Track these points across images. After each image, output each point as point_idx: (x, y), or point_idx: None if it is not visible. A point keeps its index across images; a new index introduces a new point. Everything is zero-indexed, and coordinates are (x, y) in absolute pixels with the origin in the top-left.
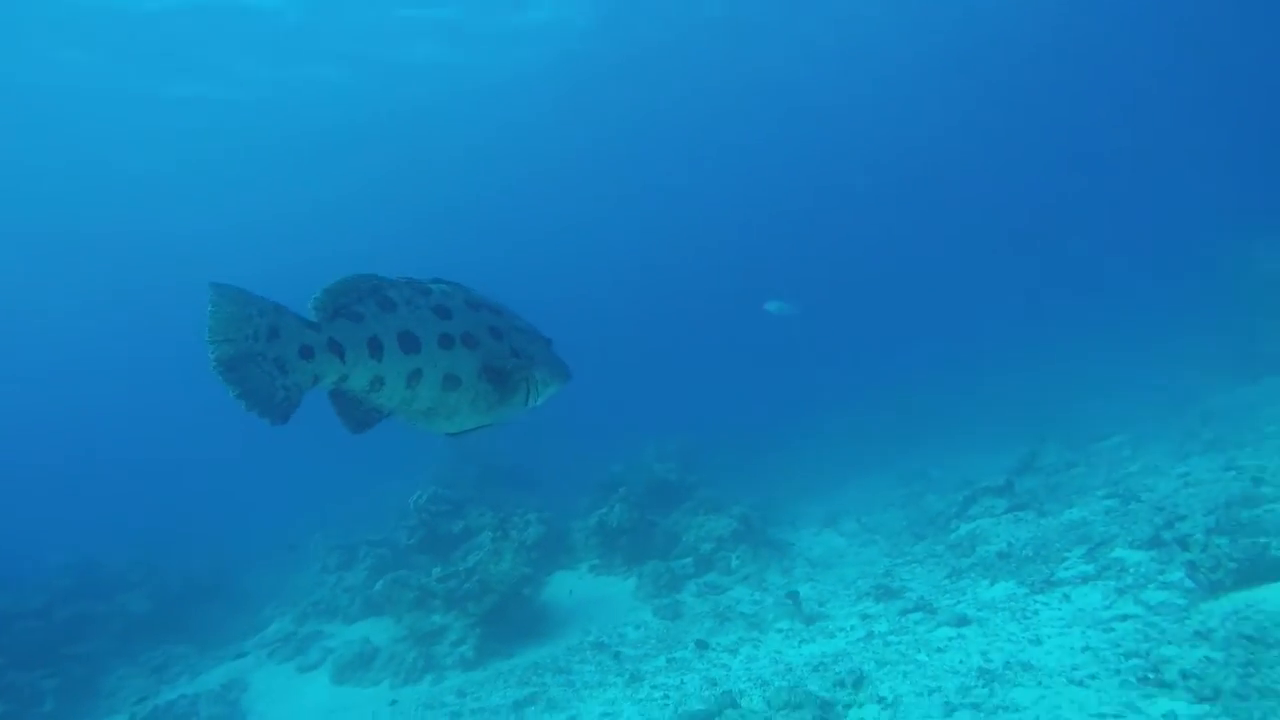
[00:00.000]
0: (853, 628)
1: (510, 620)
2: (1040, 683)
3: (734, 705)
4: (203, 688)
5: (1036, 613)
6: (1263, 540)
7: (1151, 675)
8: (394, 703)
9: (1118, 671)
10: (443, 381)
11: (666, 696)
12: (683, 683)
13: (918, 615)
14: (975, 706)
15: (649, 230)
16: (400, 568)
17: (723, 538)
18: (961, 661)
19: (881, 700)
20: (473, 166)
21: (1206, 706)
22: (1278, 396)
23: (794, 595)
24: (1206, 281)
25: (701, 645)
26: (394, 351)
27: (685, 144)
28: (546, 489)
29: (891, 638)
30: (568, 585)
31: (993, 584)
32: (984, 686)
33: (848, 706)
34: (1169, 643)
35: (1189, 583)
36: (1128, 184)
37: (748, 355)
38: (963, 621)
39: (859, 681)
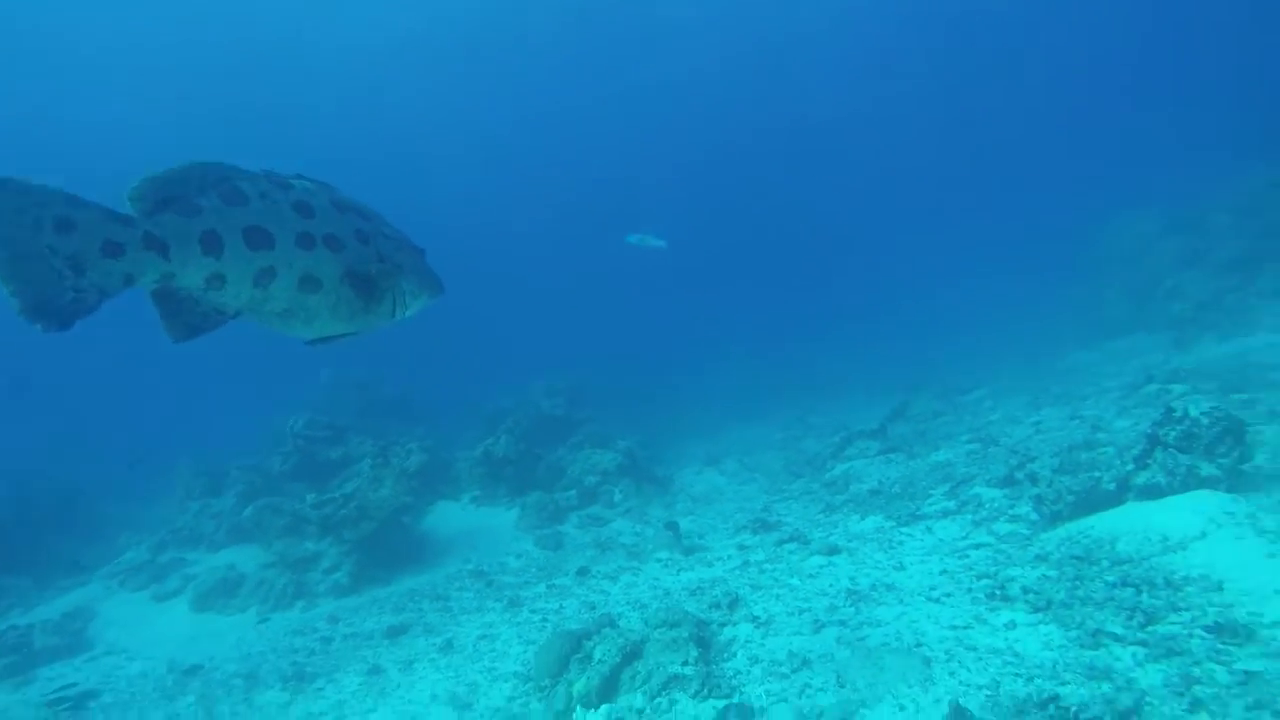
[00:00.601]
0: (730, 557)
1: (389, 548)
2: (902, 601)
3: (612, 625)
4: (38, 619)
5: (901, 543)
6: (1096, 475)
7: (998, 592)
8: (264, 620)
9: (969, 590)
10: (300, 282)
11: (545, 620)
12: (561, 607)
13: (792, 545)
14: (842, 623)
15: (545, 167)
16: (273, 494)
17: (607, 472)
18: (831, 585)
19: (755, 619)
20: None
21: (1040, 615)
22: (1116, 356)
23: (674, 526)
24: (1062, 253)
25: (583, 572)
26: (238, 248)
27: (577, 78)
28: (432, 421)
29: (766, 565)
30: (450, 515)
31: (863, 518)
32: (850, 606)
33: (723, 625)
34: (1014, 565)
35: (1034, 515)
36: (998, 158)
37: (638, 302)
38: (833, 551)
39: (734, 603)
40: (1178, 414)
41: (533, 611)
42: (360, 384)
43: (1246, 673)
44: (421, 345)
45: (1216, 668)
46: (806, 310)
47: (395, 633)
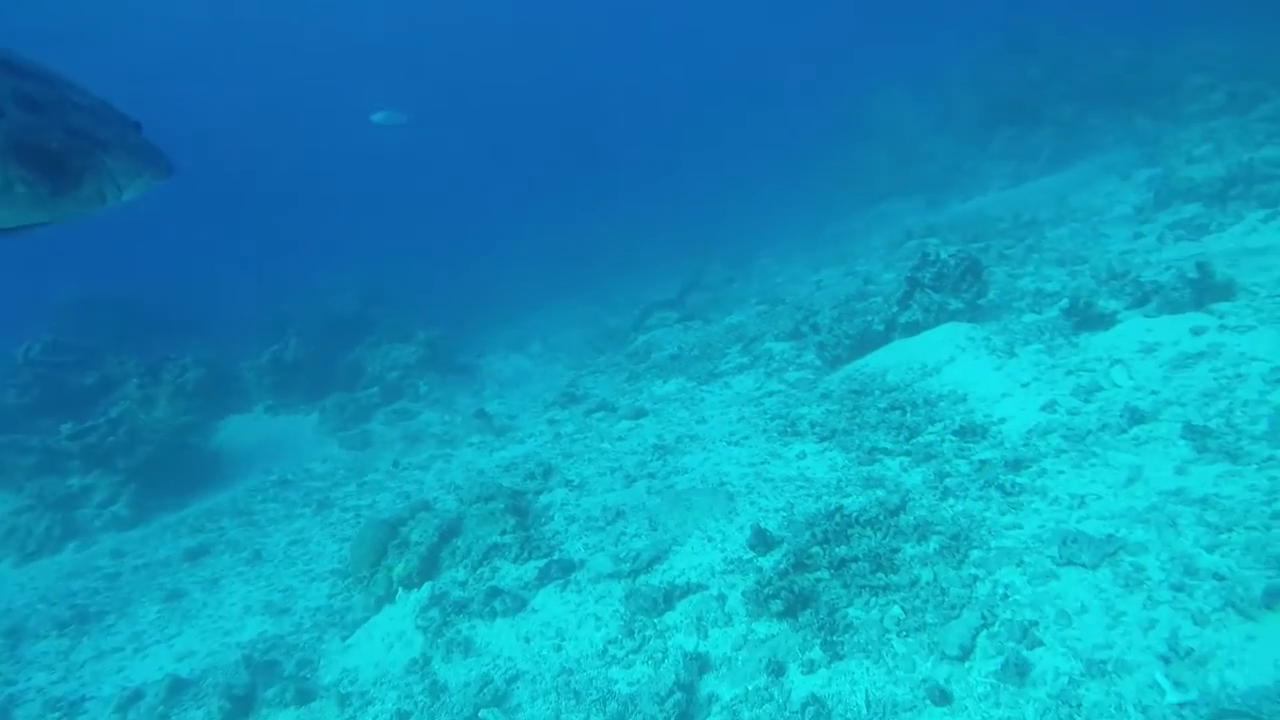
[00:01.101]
0: (541, 432)
1: (175, 471)
2: (705, 449)
3: (427, 509)
4: None
5: (703, 399)
6: (868, 319)
7: (789, 429)
8: (20, 568)
9: (765, 431)
10: None
11: (358, 516)
12: (375, 501)
13: (600, 414)
14: (651, 475)
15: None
16: (12, 432)
17: (410, 365)
18: (639, 444)
19: (569, 483)
20: None
21: (826, 444)
22: (882, 219)
23: (483, 413)
24: (832, 126)
25: (396, 465)
26: None
27: None
28: (205, 335)
29: (577, 436)
30: (244, 428)
31: (666, 381)
32: (659, 459)
33: (538, 493)
34: (803, 405)
35: (818, 361)
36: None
37: (429, 199)
38: (640, 414)
39: (548, 472)
40: (931, 258)
41: (344, 510)
42: (115, 301)
43: (981, 461)
44: (189, 255)
45: (961, 463)
46: (601, 207)
47: (195, 554)
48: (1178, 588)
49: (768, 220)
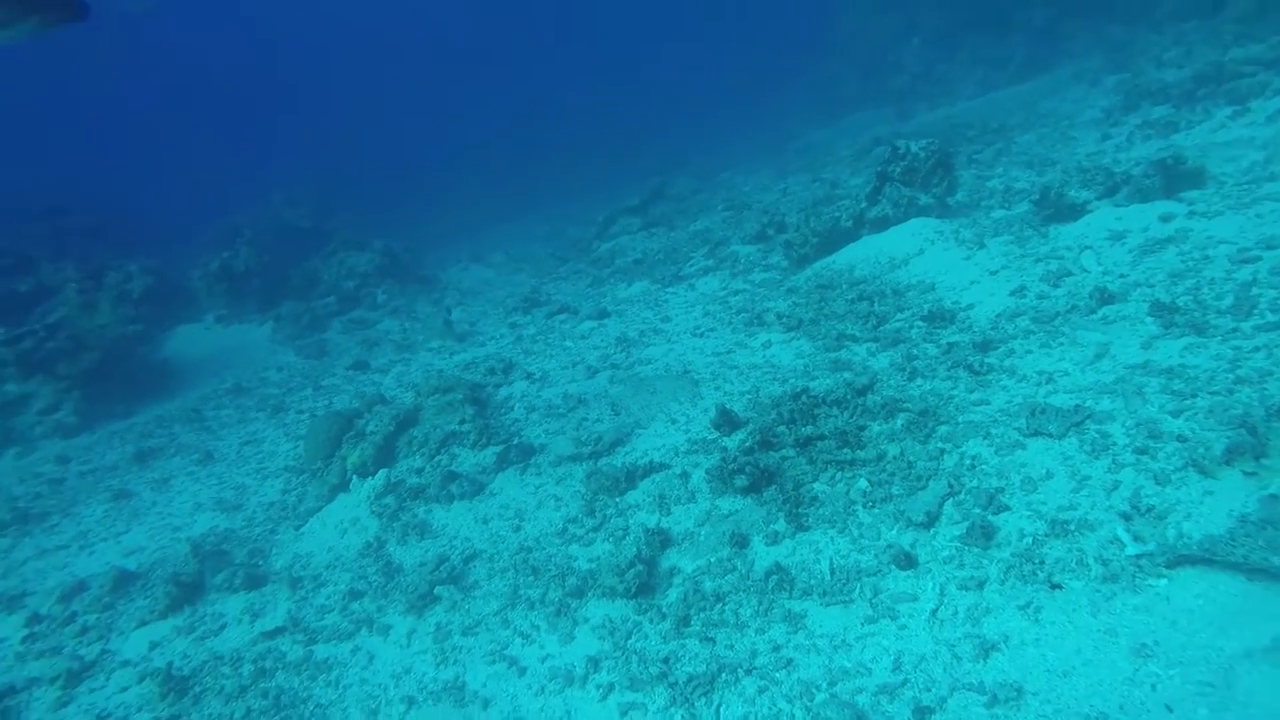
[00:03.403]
0: (502, 335)
1: (123, 380)
2: (669, 340)
3: (383, 402)
4: None
5: (667, 300)
6: (836, 215)
7: (755, 321)
8: None
9: (730, 324)
10: None
11: (313, 415)
12: (331, 403)
13: (563, 316)
14: (614, 366)
15: None
16: None
17: (367, 274)
18: (602, 340)
19: (530, 376)
20: None
21: (792, 334)
22: (849, 131)
23: (448, 317)
24: (797, 42)
25: (356, 366)
26: None
27: None
28: (148, 249)
29: (539, 336)
30: (194, 337)
31: (630, 285)
32: (622, 352)
33: (498, 386)
34: (768, 300)
35: (784, 261)
36: None
37: (390, 106)
38: (603, 315)
39: (508, 368)
40: (901, 150)
41: (300, 413)
42: (48, 211)
43: (949, 344)
44: (141, 167)
45: (929, 346)
46: (565, 127)
47: (144, 456)
48: (1141, 451)
49: (733, 139)
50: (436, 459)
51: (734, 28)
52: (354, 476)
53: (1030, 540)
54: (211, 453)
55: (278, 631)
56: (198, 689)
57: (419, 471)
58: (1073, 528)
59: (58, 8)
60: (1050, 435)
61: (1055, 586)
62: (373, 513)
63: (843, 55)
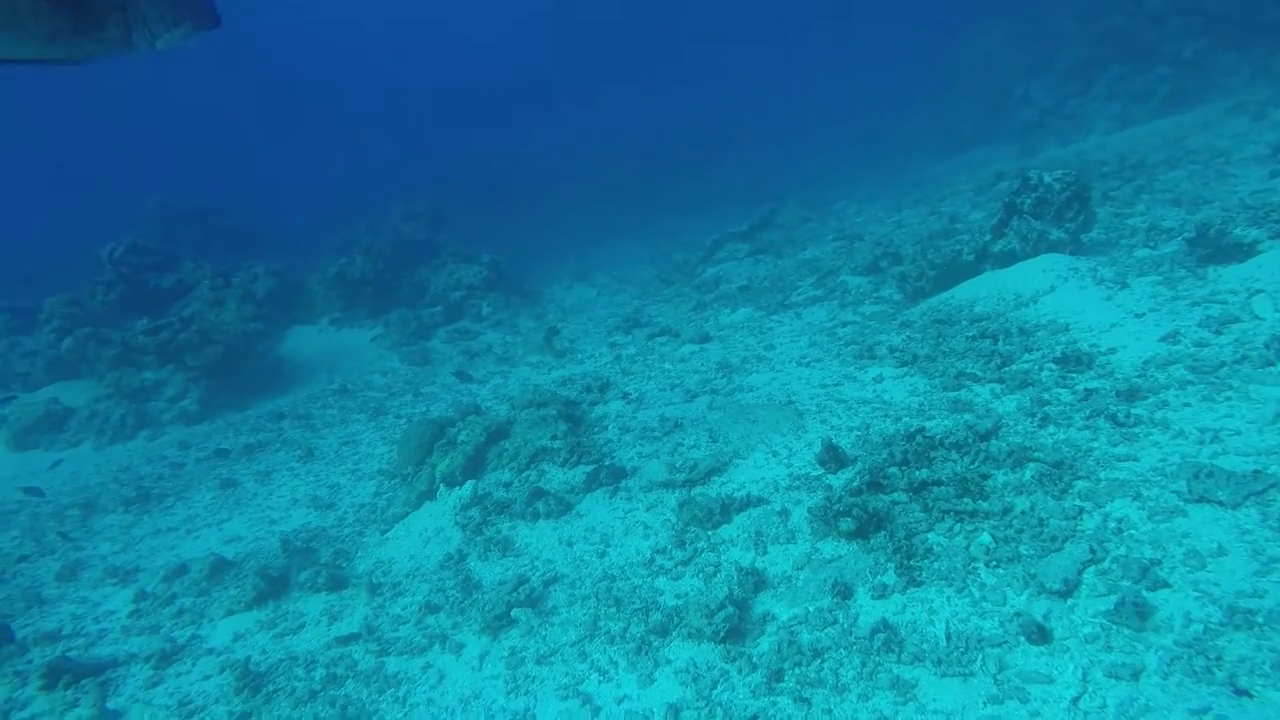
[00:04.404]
0: (601, 354)
1: (241, 374)
2: (773, 369)
3: (477, 412)
4: None
5: (771, 329)
6: (956, 248)
7: (865, 354)
8: (101, 452)
9: (839, 355)
10: None
11: (410, 420)
12: (429, 409)
13: (664, 339)
14: (714, 391)
15: None
16: (98, 326)
17: (473, 286)
18: (702, 364)
19: (626, 396)
20: None
21: (906, 369)
22: (969, 166)
23: (551, 330)
24: (921, 70)
25: (460, 376)
26: None
27: None
28: (278, 252)
29: (638, 357)
30: (307, 339)
31: (734, 311)
32: (723, 377)
33: (593, 404)
34: (880, 334)
35: (898, 295)
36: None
37: (503, 134)
38: (705, 339)
39: (605, 386)
40: (1033, 181)
41: (398, 417)
42: (200, 211)
43: (1087, 390)
44: (270, 175)
45: (1062, 391)
46: (673, 152)
47: (252, 450)
48: None
49: (845, 168)
50: (525, 474)
51: (848, 57)
52: (441, 485)
53: (1201, 628)
54: (313, 450)
55: (352, 638)
56: (270, 688)
57: (507, 486)
58: (1261, 620)
59: (204, 14)
60: (1220, 503)
61: (1242, 693)
62: (457, 524)
63: (963, 88)
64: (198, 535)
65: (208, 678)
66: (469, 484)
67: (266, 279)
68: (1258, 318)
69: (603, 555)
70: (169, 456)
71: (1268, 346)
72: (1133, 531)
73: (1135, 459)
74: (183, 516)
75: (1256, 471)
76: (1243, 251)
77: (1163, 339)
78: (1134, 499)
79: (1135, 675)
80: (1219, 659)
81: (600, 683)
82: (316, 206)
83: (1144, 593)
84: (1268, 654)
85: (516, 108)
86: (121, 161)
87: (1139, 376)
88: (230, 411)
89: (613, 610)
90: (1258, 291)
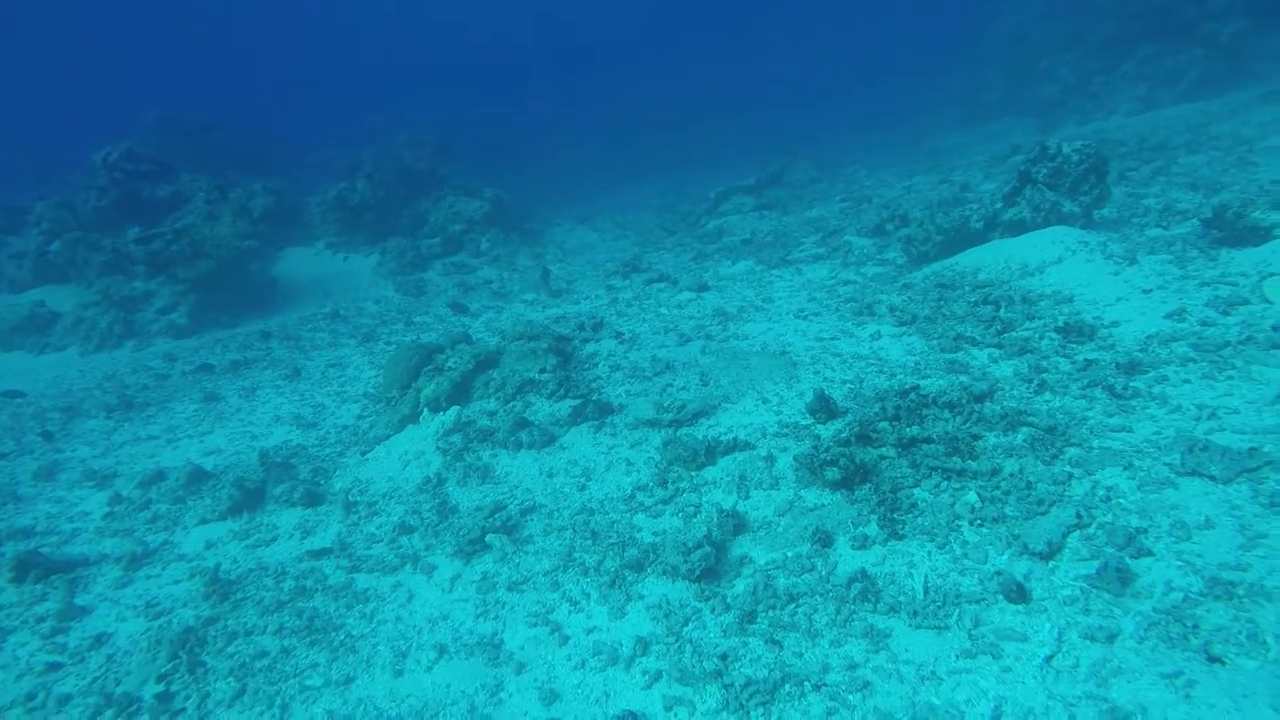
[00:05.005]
0: (597, 296)
1: (233, 290)
2: (770, 319)
3: (468, 340)
4: None
5: (771, 282)
6: (966, 214)
7: (865, 310)
8: (86, 358)
9: (837, 311)
10: None
11: (399, 345)
12: (419, 339)
13: (661, 284)
14: (708, 337)
15: None
16: (89, 230)
17: (474, 220)
18: (698, 311)
19: (619, 335)
20: None
21: (905, 329)
22: (987, 138)
23: (546, 270)
24: (947, 37)
25: (454, 307)
26: None
27: None
28: (281, 173)
29: (634, 300)
30: (303, 261)
31: (734, 263)
32: (718, 324)
33: (585, 341)
34: (881, 293)
35: (902, 259)
36: None
37: (511, 58)
38: (703, 288)
39: (598, 325)
40: (1051, 150)
41: (388, 343)
42: (202, 127)
43: (1087, 360)
44: (279, 97)
45: (1061, 360)
46: (689, 101)
47: (238, 366)
48: None
49: (862, 134)
50: (511, 404)
51: (877, 20)
52: (426, 410)
53: (1181, 596)
54: (300, 370)
55: (324, 553)
56: (239, 595)
57: (491, 414)
58: (1242, 593)
59: None
60: (1212, 478)
61: (1215, 659)
62: (438, 449)
63: (990, 60)
64: (178, 445)
65: (177, 582)
66: (453, 410)
67: (264, 196)
68: (1268, 301)
69: (583, 488)
70: (154, 367)
71: (1276, 329)
72: (1121, 500)
73: (1129, 430)
74: (164, 426)
75: (1253, 449)
76: (1259, 235)
77: (1168, 316)
78: (1125, 469)
79: (1111, 638)
80: (1196, 627)
81: (571, 613)
82: (326, 132)
83: (1127, 559)
84: (1245, 624)
85: (541, 55)
86: (126, 74)
87: (1140, 351)
88: (219, 328)
89: (589, 543)
90: (1270, 275)
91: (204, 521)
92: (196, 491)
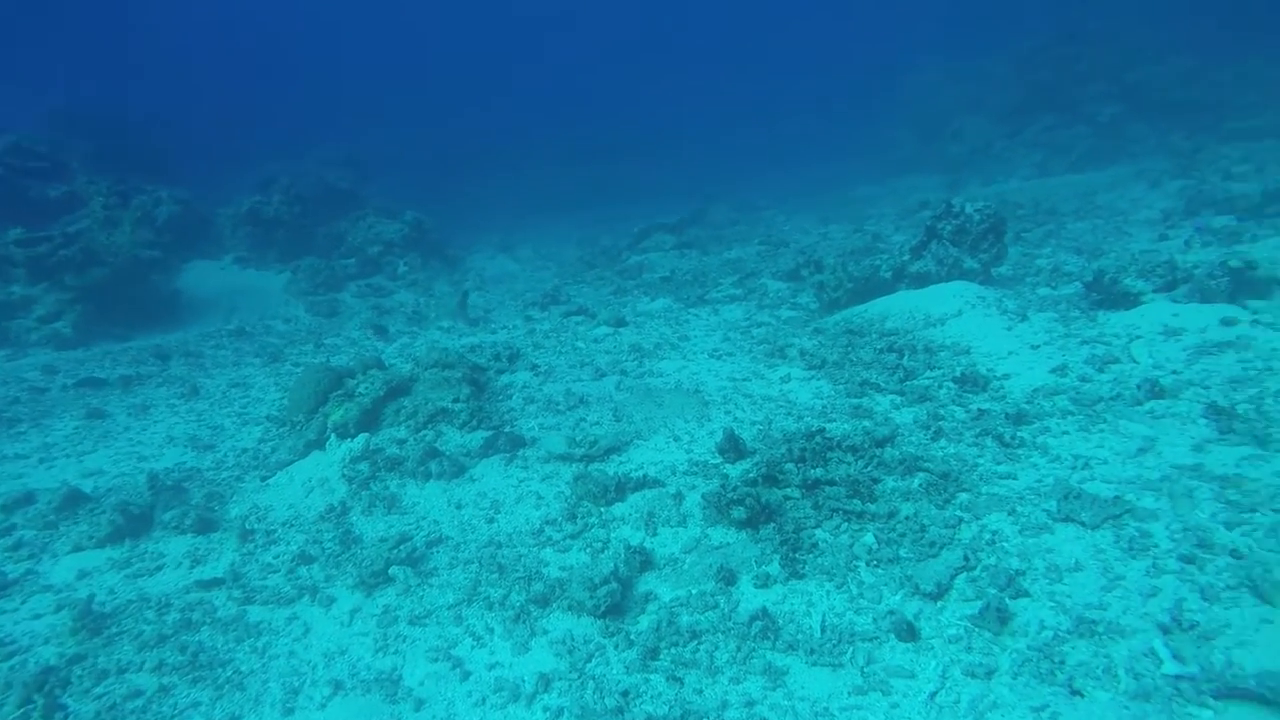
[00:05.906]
0: (515, 326)
1: (130, 302)
2: (685, 357)
3: (380, 365)
4: None
5: (688, 320)
6: (876, 263)
7: (776, 353)
8: None
9: (750, 353)
10: None
11: (308, 367)
12: (328, 360)
13: (579, 318)
14: (623, 372)
15: None
16: None
17: (393, 243)
18: (614, 346)
19: (535, 368)
20: None
21: (814, 373)
22: (897, 191)
23: (464, 297)
24: (862, 99)
25: (369, 330)
26: None
27: None
28: (189, 181)
29: (552, 333)
30: (209, 275)
31: (653, 300)
32: (634, 360)
33: (500, 372)
34: (793, 337)
35: (814, 304)
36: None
37: (442, 97)
38: (620, 323)
39: (514, 356)
40: (955, 209)
41: (296, 365)
42: (107, 125)
43: (980, 410)
44: (195, 96)
45: (957, 409)
46: (615, 144)
47: (129, 382)
48: (1188, 559)
49: (779, 178)
50: (422, 433)
51: (794, 80)
52: (333, 435)
53: (1051, 634)
54: (198, 389)
55: (215, 583)
56: (114, 629)
57: (401, 443)
58: (1101, 630)
59: None
60: (1083, 524)
61: (1076, 693)
62: (344, 476)
63: (902, 117)
64: (52, 465)
65: (39, 616)
66: (362, 437)
67: (170, 205)
68: (1134, 361)
69: (491, 521)
70: (29, 380)
71: (1139, 388)
72: (1004, 544)
73: (1014, 477)
74: (37, 444)
75: (1116, 497)
76: (1129, 300)
77: (1052, 370)
78: (1009, 514)
79: (989, 675)
80: (1062, 663)
81: (473, 648)
82: (244, 143)
83: (1007, 600)
84: (1102, 660)
85: (472, 77)
86: (15, 56)
87: (1027, 402)
88: (110, 340)
89: (495, 576)
90: (1137, 337)
91: (78, 549)
92: (71, 516)
